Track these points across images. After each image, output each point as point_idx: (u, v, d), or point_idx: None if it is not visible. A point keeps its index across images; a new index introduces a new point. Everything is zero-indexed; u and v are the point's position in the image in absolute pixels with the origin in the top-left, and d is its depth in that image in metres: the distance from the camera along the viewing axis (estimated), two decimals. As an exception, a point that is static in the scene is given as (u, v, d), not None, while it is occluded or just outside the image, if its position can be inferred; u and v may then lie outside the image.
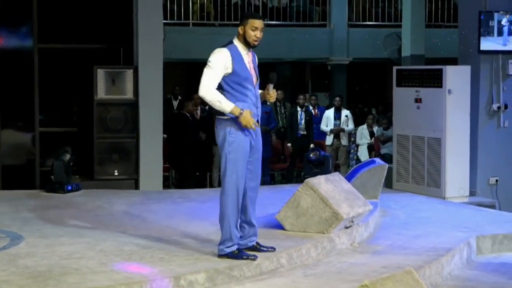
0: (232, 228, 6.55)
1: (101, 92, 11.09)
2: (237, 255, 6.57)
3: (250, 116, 6.41)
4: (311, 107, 16.51)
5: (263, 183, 14.38)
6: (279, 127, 15.57)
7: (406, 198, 10.71)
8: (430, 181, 11.03)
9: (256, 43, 6.50)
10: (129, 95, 11.14)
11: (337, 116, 15.79)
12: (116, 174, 11.08)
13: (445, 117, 10.85)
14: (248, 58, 6.56)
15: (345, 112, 15.91)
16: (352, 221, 7.76)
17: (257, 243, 6.84)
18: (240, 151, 6.48)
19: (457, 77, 10.96)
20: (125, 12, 11.30)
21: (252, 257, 6.58)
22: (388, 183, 11.21)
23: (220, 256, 6.61)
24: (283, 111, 15.91)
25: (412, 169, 11.30)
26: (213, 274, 6.24)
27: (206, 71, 6.41)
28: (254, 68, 6.62)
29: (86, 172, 11.16)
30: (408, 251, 7.48)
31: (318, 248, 7.22)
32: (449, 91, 10.84)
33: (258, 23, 6.48)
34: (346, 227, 7.73)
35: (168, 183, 14.19)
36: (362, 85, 24.81)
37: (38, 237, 7.41)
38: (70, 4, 11.46)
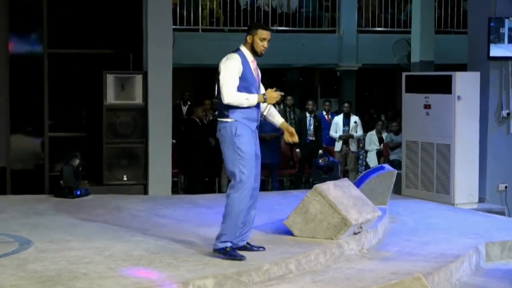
0: (235, 227, 6.78)
1: (110, 97, 11.09)
2: (228, 252, 6.75)
3: (273, 94, 6.79)
4: (324, 113, 16.48)
5: (272, 188, 14.48)
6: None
7: (415, 204, 10.67)
8: (439, 187, 11.00)
9: (263, 52, 6.81)
10: (138, 100, 11.14)
11: (346, 122, 15.75)
12: (125, 179, 11.07)
13: (455, 124, 10.82)
14: (253, 65, 6.86)
15: (354, 118, 15.86)
16: (361, 227, 7.74)
17: (247, 243, 7.05)
18: (248, 148, 6.72)
19: (466, 84, 10.92)
20: (134, 18, 11.30)
21: (240, 258, 6.73)
22: (397, 189, 11.18)
23: (214, 250, 6.82)
24: (292, 116, 15.88)
25: (421, 176, 11.27)
26: (221, 279, 6.22)
27: (223, 78, 6.69)
28: (258, 75, 6.93)
29: (95, 177, 11.15)
30: (417, 257, 7.46)
31: (327, 254, 7.21)
32: (459, 98, 10.81)
33: (267, 34, 6.79)
34: (355, 233, 7.71)
35: (176, 189, 14.18)
36: (371, 91, 24.77)
37: (47, 242, 7.41)
38: (80, 10, 11.46)
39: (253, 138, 6.81)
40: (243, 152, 6.71)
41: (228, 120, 6.74)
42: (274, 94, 6.80)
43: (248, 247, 7.04)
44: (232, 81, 6.67)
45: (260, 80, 6.98)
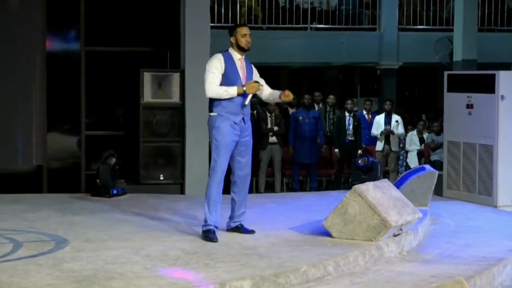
0: (210, 210, 7.54)
1: (148, 95, 11.08)
2: (205, 235, 7.49)
3: (253, 83, 7.53)
4: (364, 112, 16.31)
5: (310, 189, 14.39)
6: (326, 132, 15.40)
7: (457, 206, 10.56)
8: (481, 189, 10.84)
9: (249, 45, 7.63)
10: (176, 98, 11.12)
11: (388, 121, 15.51)
12: (162, 178, 11.06)
13: (498, 124, 10.65)
14: (240, 63, 7.65)
15: (395, 117, 15.61)
16: (401, 229, 7.66)
17: (240, 224, 7.82)
18: (223, 138, 7.51)
19: (510, 83, 10.75)
20: (172, 15, 11.29)
21: (211, 240, 7.42)
22: (438, 191, 11.06)
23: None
24: (331, 116, 15.74)
25: (463, 177, 11.12)
26: (258, 281, 6.18)
27: (205, 76, 7.55)
28: (247, 74, 7.65)
29: (132, 176, 11.15)
30: (458, 260, 7.37)
31: (366, 256, 7.14)
32: (502, 97, 10.64)
33: (246, 29, 7.65)
34: (395, 235, 7.63)
35: (214, 188, 14.11)
36: (412, 90, 24.57)
37: (83, 241, 7.42)
38: (117, 7, 11.49)
39: (234, 130, 7.55)
40: (217, 142, 7.53)
41: (212, 114, 7.58)
42: (254, 84, 7.52)
43: (240, 228, 7.79)
44: (212, 77, 7.49)
45: (251, 76, 7.67)
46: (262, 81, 7.78)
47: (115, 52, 11.54)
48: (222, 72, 7.52)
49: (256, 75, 7.78)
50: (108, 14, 11.45)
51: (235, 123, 7.56)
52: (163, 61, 11.57)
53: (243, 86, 7.52)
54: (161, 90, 11.11)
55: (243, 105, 7.54)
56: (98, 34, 11.36)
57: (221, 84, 7.50)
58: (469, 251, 7.74)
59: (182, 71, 11.08)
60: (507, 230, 8.92)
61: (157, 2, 11.46)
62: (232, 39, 7.62)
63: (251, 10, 19.30)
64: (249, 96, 7.56)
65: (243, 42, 7.58)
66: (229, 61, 7.57)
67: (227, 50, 7.66)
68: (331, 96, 16.05)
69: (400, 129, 15.58)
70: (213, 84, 7.48)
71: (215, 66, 7.52)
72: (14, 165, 11.12)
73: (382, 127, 15.50)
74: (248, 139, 7.74)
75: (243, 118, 7.61)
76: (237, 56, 7.63)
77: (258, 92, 7.73)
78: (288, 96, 7.61)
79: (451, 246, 7.99)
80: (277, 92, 7.75)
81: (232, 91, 7.48)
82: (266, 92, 7.82)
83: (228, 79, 7.52)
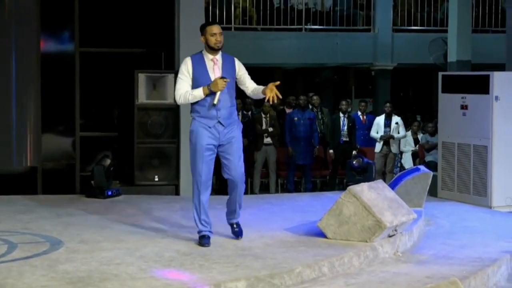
0: (195, 217, 7.38)
1: (142, 96, 11.08)
2: (199, 240, 7.35)
3: (217, 80, 7.21)
4: (359, 113, 16.29)
5: (305, 189, 14.39)
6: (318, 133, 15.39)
7: (451, 207, 10.56)
8: (476, 189, 10.85)
9: (219, 45, 7.38)
10: (170, 99, 11.09)
11: (387, 123, 15.42)
12: (157, 179, 11.05)
13: (492, 124, 10.66)
14: (211, 63, 7.40)
15: (395, 119, 15.50)
16: (396, 230, 7.66)
17: (236, 223, 7.68)
18: (196, 141, 7.34)
19: (504, 83, 10.75)
20: (166, 16, 11.29)
21: (201, 245, 7.30)
22: (433, 192, 11.05)
23: None
24: (320, 117, 15.73)
25: (457, 177, 11.13)
26: (253, 282, 6.18)
27: (176, 82, 7.45)
28: (223, 72, 7.37)
29: (126, 177, 11.14)
30: (453, 261, 7.37)
31: (361, 257, 7.14)
32: (496, 98, 10.65)
33: (215, 28, 7.41)
34: (389, 236, 7.63)
35: (208, 189, 14.11)
36: (406, 91, 24.59)
37: (78, 242, 7.42)
38: (111, 8, 11.48)
39: (210, 133, 7.32)
40: (191, 145, 7.39)
41: (190, 118, 7.46)
42: (218, 81, 7.22)
43: (235, 228, 7.67)
44: (179, 84, 7.37)
45: (230, 73, 7.38)
46: (246, 77, 7.56)
47: (110, 53, 11.53)
48: (191, 76, 7.36)
49: (240, 71, 7.53)
50: (103, 15, 11.43)
51: (209, 127, 7.33)
52: (157, 62, 11.57)
53: (208, 85, 7.27)
54: (156, 91, 11.11)
55: (212, 105, 7.27)
56: (93, 35, 11.34)
57: (193, 88, 7.32)
58: (464, 252, 7.74)
59: (177, 72, 11.01)
60: (502, 230, 8.93)
61: (152, 3, 11.46)
62: (202, 39, 7.40)
63: (246, 11, 19.29)
64: (218, 94, 7.23)
65: (212, 41, 7.32)
66: (198, 63, 7.37)
67: (201, 51, 7.48)
68: (315, 97, 15.96)
69: (401, 131, 15.45)
70: (178, 90, 7.35)
71: (182, 72, 7.39)
72: (8, 166, 11.10)
73: (382, 129, 15.42)
74: (232, 138, 7.41)
75: (219, 122, 7.34)
76: (209, 57, 7.41)
77: (242, 88, 7.59)
78: (272, 90, 7.28)
79: (445, 246, 8.00)
80: (260, 88, 7.46)
81: (197, 92, 7.29)
82: (250, 87, 7.56)
83: (197, 81, 7.33)
